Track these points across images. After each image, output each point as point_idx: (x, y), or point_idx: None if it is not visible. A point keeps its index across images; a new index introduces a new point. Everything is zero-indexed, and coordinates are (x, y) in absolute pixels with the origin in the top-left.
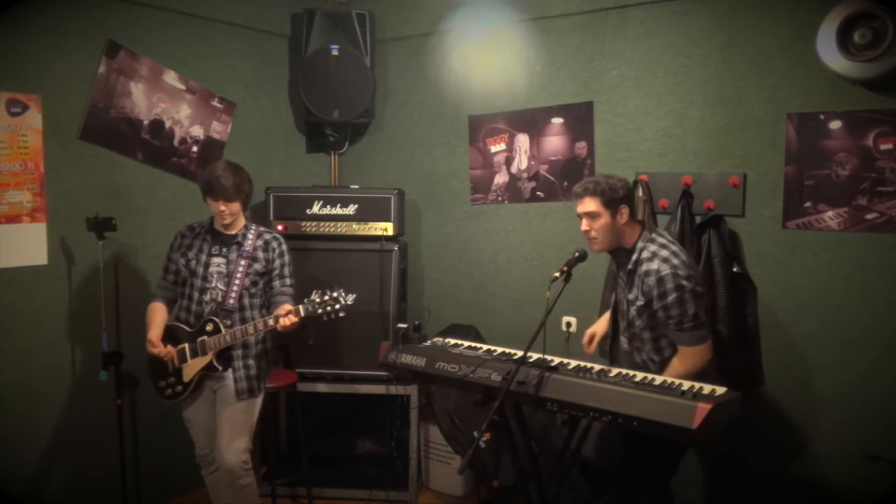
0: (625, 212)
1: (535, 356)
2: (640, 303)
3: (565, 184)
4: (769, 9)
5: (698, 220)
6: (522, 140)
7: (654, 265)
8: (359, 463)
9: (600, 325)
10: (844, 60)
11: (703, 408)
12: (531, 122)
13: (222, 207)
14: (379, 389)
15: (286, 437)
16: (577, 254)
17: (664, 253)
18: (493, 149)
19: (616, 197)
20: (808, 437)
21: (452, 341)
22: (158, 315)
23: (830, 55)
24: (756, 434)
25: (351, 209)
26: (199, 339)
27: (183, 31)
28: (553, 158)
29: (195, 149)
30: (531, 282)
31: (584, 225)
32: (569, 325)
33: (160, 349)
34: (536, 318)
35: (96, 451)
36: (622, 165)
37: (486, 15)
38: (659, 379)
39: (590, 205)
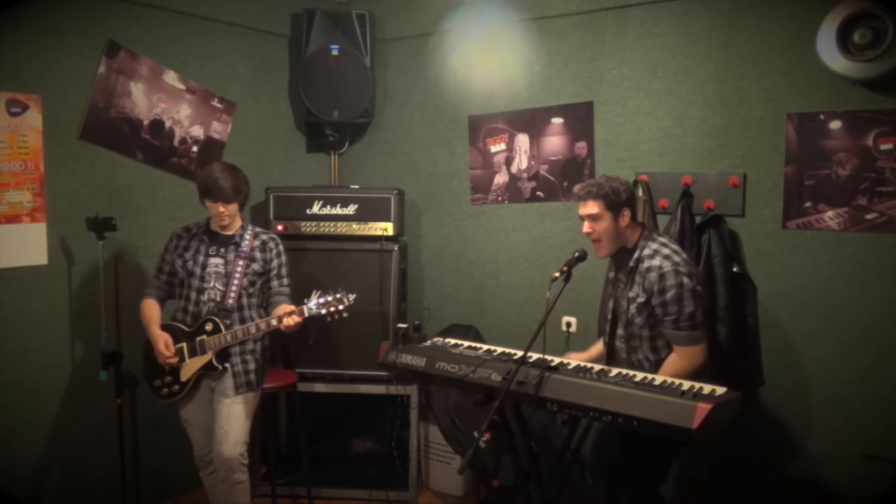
0: (627, 214)
1: (535, 356)
2: (640, 300)
3: (565, 184)
4: (769, 9)
5: (698, 220)
6: (522, 140)
7: (657, 261)
8: (359, 463)
9: (581, 356)
10: (844, 60)
11: (703, 408)
12: (531, 122)
13: (221, 209)
14: (379, 389)
15: (286, 437)
16: (577, 254)
17: (666, 251)
18: (493, 149)
19: (618, 200)
20: (809, 437)
21: (452, 341)
22: (155, 312)
23: (830, 55)
24: (756, 434)
25: (351, 209)
26: (199, 339)
27: (183, 31)
28: (553, 158)
29: (195, 149)
30: (531, 282)
31: (587, 227)
32: (569, 325)
33: (172, 351)
34: (536, 318)
35: (96, 450)
36: (622, 165)
37: (486, 15)
38: (659, 379)
39: (592, 207)
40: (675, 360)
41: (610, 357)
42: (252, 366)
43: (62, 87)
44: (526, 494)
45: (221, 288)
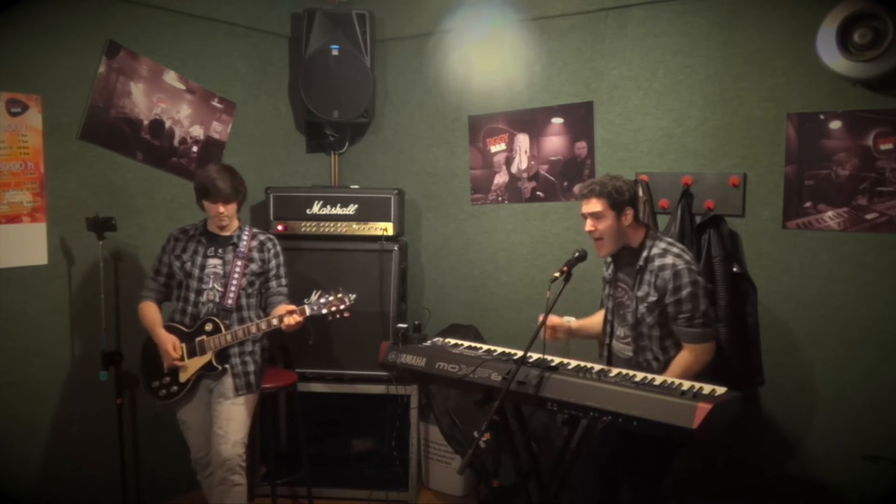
0: (629, 213)
1: (535, 356)
2: (651, 298)
3: (565, 184)
4: (769, 9)
5: (698, 220)
6: (522, 140)
7: (669, 259)
8: (359, 463)
9: (579, 322)
10: (844, 60)
11: (703, 408)
12: (531, 122)
13: (221, 209)
14: (379, 389)
15: (286, 437)
16: (577, 254)
17: (675, 250)
18: (493, 149)
19: (622, 199)
20: (809, 437)
21: (452, 341)
22: (156, 314)
23: (830, 55)
24: (756, 434)
25: (351, 209)
26: (198, 339)
27: (183, 31)
28: (553, 158)
29: (195, 149)
30: (531, 282)
31: (589, 226)
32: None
33: (179, 353)
34: (536, 318)
35: (96, 450)
36: (622, 165)
37: (486, 15)
38: (659, 379)
39: (595, 206)
40: (686, 357)
41: (609, 358)
42: (251, 367)
43: (62, 87)
44: (526, 494)
45: (220, 288)
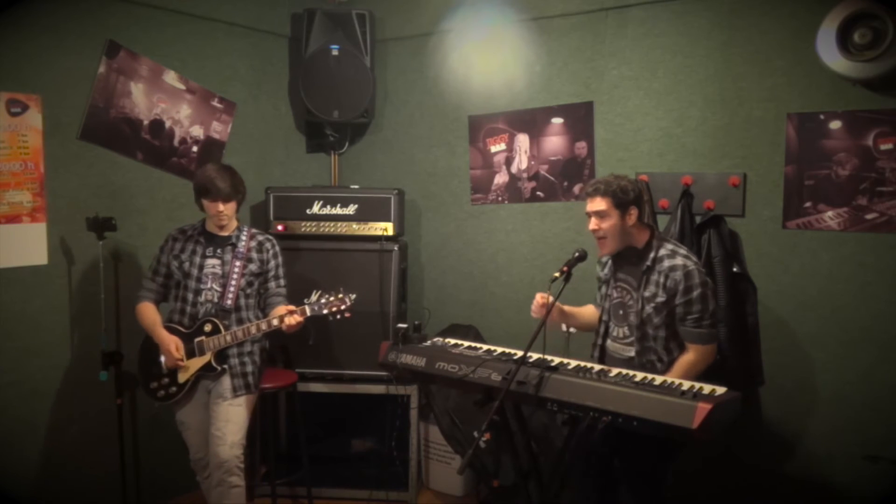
0: (633, 213)
1: (535, 356)
2: (660, 299)
3: (565, 184)
4: (769, 9)
5: (698, 220)
6: (522, 140)
7: (679, 261)
8: (359, 463)
9: (571, 308)
10: (844, 60)
11: (703, 408)
12: (531, 122)
13: (221, 208)
14: (379, 389)
15: (286, 437)
16: (577, 254)
17: (682, 251)
18: (493, 149)
19: (626, 199)
20: (809, 437)
21: (452, 341)
22: (156, 315)
23: (830, 55)
24: (756, 434)
25: (351, 209)
26: (197, 340)
27: (183, 31)
28: (553, 158)
29: (195, 149)
30: (531, 282)
31: (593, 224)
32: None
33: (182, 354)
34: (536, 319)
35: (96, 450)
36: (622, 165)
37: (486, 15)
38: (659, 379)
39: (600, 204)
40: (691, 358)
41: (601, 358)
42: (250, 367)
43: (62, 87)
44: (526, 494)
45: (219, 289)
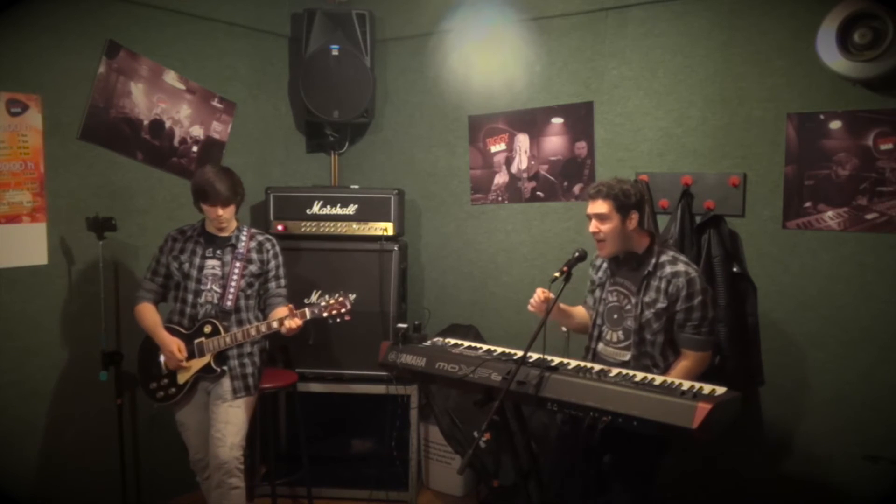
0: (634, 218)
1: (535, 356)
2: (660, 304)
3: (565, 184)
4: (769, 9)
5: (698, 220)
6: (522, 140)
7: (681, 267)
8: (359, 463)
9: (566, 307)
10: (844, 60)
11: (703, 408)
12: (531, 122)
13: (220, 212)
14: (379, 389)
15: (286, 437)
16: (577, 254)
17: (683, 258)
18: (493, 149)
19: (628, 202)
20: (808, 437)
21: (452, 341)
22: (156, 316)
23: (830, 55)
24: (756, 434)
25: (351, 209)
26: (197, 341)
27: (183, 31)
28: (553, 158)
29: (195, 149)
30: (531, 282)
31: (593, 226)
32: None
33: (185, 355)
34: (536, 318)
35: (96, 450)
36: (622, 165)
37: (486, 15)
38: (659, 379)
39: (601, 207)
40: (687, 364)
41: (593, 361)
42: (250, 369)
43: (62, 87)
44: (526, 494)
45: (219, 290)
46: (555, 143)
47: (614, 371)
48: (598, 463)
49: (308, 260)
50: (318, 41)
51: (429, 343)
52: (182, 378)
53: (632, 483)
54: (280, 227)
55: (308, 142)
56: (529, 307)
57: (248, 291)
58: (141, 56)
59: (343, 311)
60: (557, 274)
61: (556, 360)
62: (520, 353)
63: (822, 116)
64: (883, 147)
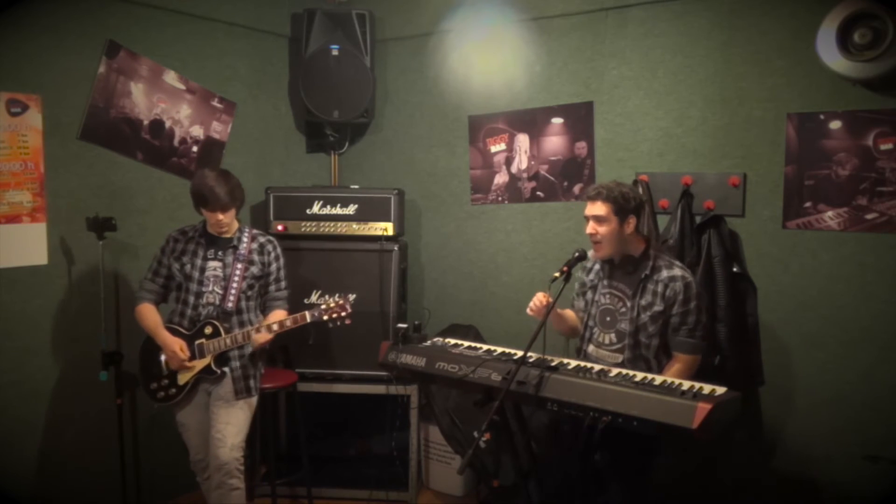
0: (632, 222)
1: (535, 356)
2: (657, 308)
3: (565, 184)
4: (769, 9)
5: (698, 220)
6: (522, 140)
7: (678, 272)
8: (359, 463)
9: (561, 311)
10: (844, 60)
11: (703, 408)
12: (531, 122)
13: (220, 217)
14: (379, 389)
15: (286, 437)
16: (576, 254)
17: (678, 263)
18: (493, 149)
19: (627, 206)
20: (809, 438)
21: (452, 341)
22: (157, 316)
23: (830, 55)
24: (756, 434)
25: (351, 209)
26: (197, 342)
27: (183, 31)
28: (553, 158)
29: (195, 149)
30: (531, 282)
31: (590, 228)
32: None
33: (187, 354)
34: (536, 319)
35: (96, 450)
36: (622, 165)
37: (486, 15)
38: (659, 379)
39: (600, 209)
40: (679, 368)
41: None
42: (250, 370)
43: (62, 87)
44: (526, 494)
45: (220, 291)
46: (555, 143)
47: (614, 371)
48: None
49: (308, 260)
50: (318, 41)
51: (429, 343)
52: (182, 379)
53: (627, 482)
54: (280, 228)
55: (308, 142)
56: (529, 311)
57: (250, 293)
58: (141, 56)
59: (343, 314)
60: (557, 274)
61: (556, 360)
62: (520, 353)
63: (822, 116)
64: (883, 147)
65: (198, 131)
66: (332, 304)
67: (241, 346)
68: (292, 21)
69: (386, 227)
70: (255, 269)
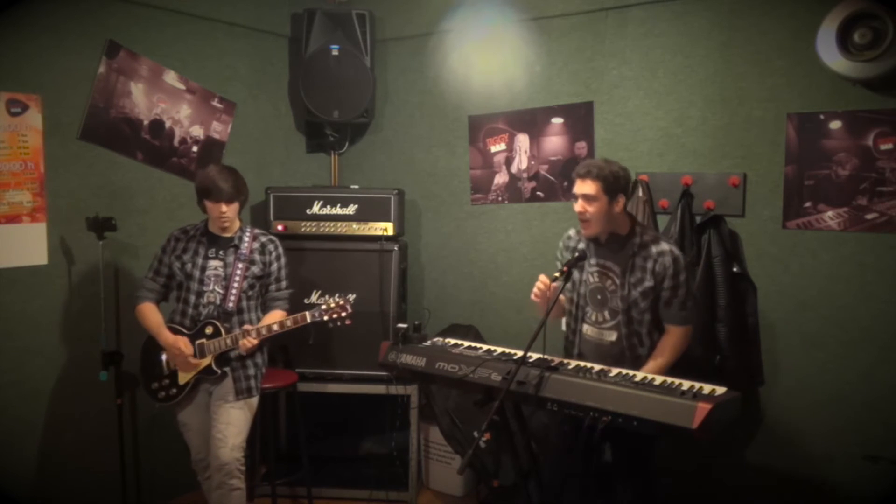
0: (621, 201)
1: (535, 356)
2: (647, 283)
3: (565, 184)
4: (769, 9)
5: (698, 220)
6: (522, 140)
7: (665, 246)
8: (359, 463)
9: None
10: (844, 60)
11: (703, 408)
12: (531, 122)
13: (224, 209)
14: (379, 389)
15: (286, 437)
16: (576, 254)
17: (663, 238)
18: (493, 149)
19: (616, 185)
20: (808, 437)
21: (452, 341)
22: (159, 316)
23: (830, 55)
24: (756, 434)
25: (351, 209)
26: (198, 342)
27: (183, 31)
28: (553, 158)
29: (195, 149)
30: (531, 282)
31: (579, 206)
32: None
33: (192, 350)
34: (536, 318)
35: (96, 450)
36: None
37: (486, 15)
38: (659, 379)
39: (590, 188)
40: (674, 341)
41: (578, 343)
42: (251, 370)
43: (62, 87)
44: (526, 494)
45: (221, 291)
46: (555, 143)
47: (614, 371)
48: (598, 463)
49: (308, 260)
50: (318, 41)
51: (429, 343)
52: (183, 379)
53: (635, 482)
54: (280, 227)
55: (308, 142)
56: (533, 297)
57: (251, 293)
58: (141, 56)
59: (343, 315)
60: (557, 274)
61: (556, 360)
62: (520, 353)
63: (822, 116)
64: (883, 147)
65: (198, 131)
66: (333, 305)
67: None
68: (292, 21)
69: (386, 227)
70: (255, 269)
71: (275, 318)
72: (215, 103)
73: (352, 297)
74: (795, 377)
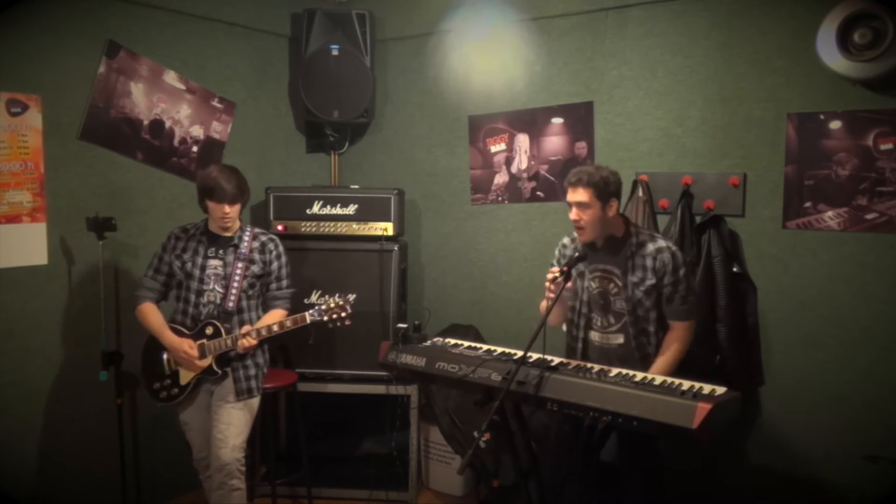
0: (615, 205)
1: (535, 356)
2: (649, 282)
3: (565, 184)
4: (769, 9)
5: (698, 220)
6: (522, 140)
7: (662, 243)
8: (359, 463)
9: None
10: (844, 60)
11: (703, 408)
12: (531, 122)
13: (226, 209)
14: (379, 389)
15: (286, 437)
16: (576, 253)
17: (660, 235)
18: (493, 149)
19: (608, 190)
20: (808, 438)
21: (452, 341)
22: (160, 316)
23: (830, 55)
24: (756, 434)
25: (351, 209)
26: (199, 343)
27: (183, 31)
28: (553, 158)
29: (195, 149)
30: (531, 282)
31: (574, 214)
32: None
33: (196, 352)
34: (536, 318)
35: (96, 450)
36: (622, 165)
37: (486, 15)
38: (659, 379)
39: (582, 195)
40: (679, 336)
41: (585, 350)
42: (252, 371)
43: (62, 87)
44: (526, 494)
45: (221, 290)
46: (555, 143)
47: (614, 371)
48: (598, 463)
49: (308, 260)
50: (318, 41)
51: (429, 343)
52: (184, 379)
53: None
54: (280, 227)
55: (308, 142)
56: (547, 283)
57: (251, 292)
58: (141, 56)
59: (343, 315)
60: (558, 274)
61: (556, 360)
62: (520, 353)
63: (822, 116)
64: (883, 147)
65: (198, 131)
66: (332, 305)
67: None
68: (292, 21)
69: (386, 227)
70: (255, 268)
71: (275, 317)
72: (215, 103)
73: (352, 297)
74: (795, 377)
